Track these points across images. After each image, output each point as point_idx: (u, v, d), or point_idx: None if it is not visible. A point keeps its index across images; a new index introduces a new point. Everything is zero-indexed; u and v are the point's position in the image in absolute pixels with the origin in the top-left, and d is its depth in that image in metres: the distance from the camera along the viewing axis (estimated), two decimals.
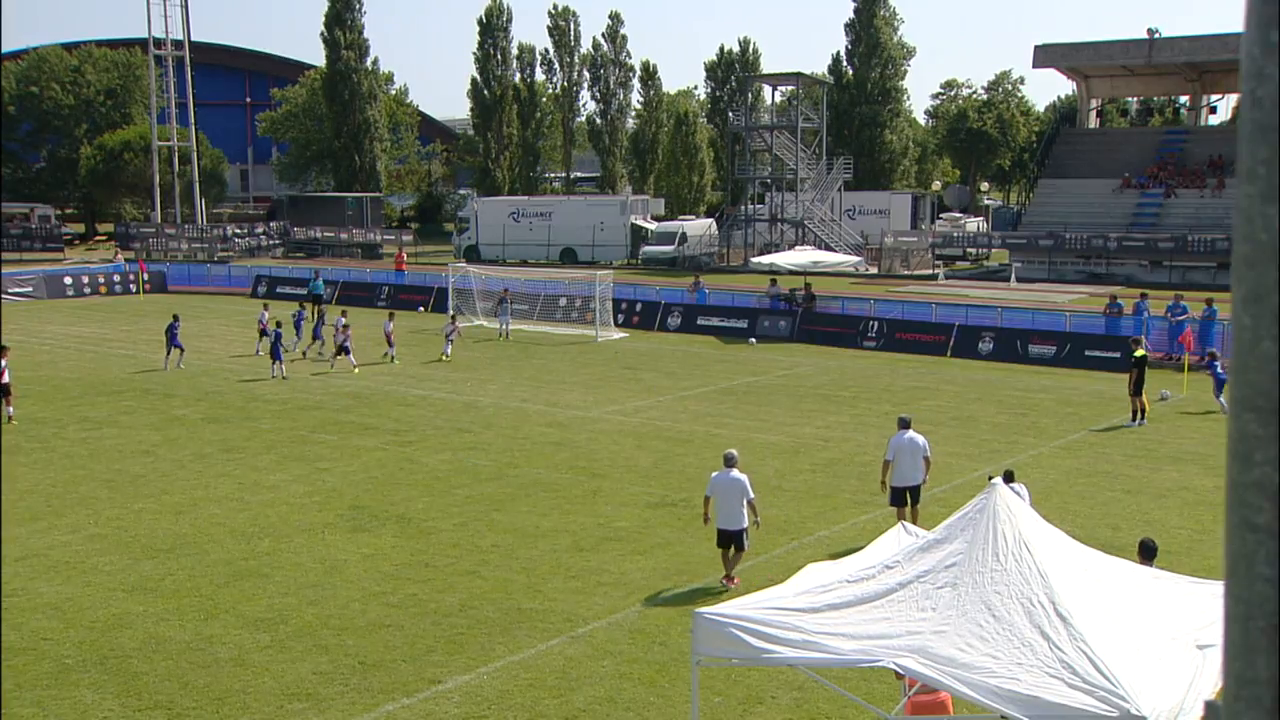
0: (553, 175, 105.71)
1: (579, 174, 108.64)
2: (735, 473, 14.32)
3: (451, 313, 37.63)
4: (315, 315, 41.43)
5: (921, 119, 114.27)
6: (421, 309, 41.31)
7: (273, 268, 61.26)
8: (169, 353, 32.08)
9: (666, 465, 21.13)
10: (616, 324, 42.10)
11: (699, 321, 42.41)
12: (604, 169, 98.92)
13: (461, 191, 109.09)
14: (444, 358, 33.46)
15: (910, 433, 16.26)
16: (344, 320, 32.81)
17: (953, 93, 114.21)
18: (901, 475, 16.13)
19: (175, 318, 32.75)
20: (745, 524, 14.33)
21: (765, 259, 49.67)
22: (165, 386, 29.58)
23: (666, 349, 38.06)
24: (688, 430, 24.46)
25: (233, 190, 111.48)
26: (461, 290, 44.26)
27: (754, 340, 39.55)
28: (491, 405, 27.34)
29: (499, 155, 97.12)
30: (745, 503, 14.24)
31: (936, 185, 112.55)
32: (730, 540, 14.31)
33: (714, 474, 14.53)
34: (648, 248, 71.22)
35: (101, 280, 55.95)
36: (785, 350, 37.65)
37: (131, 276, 56.76)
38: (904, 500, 15.84)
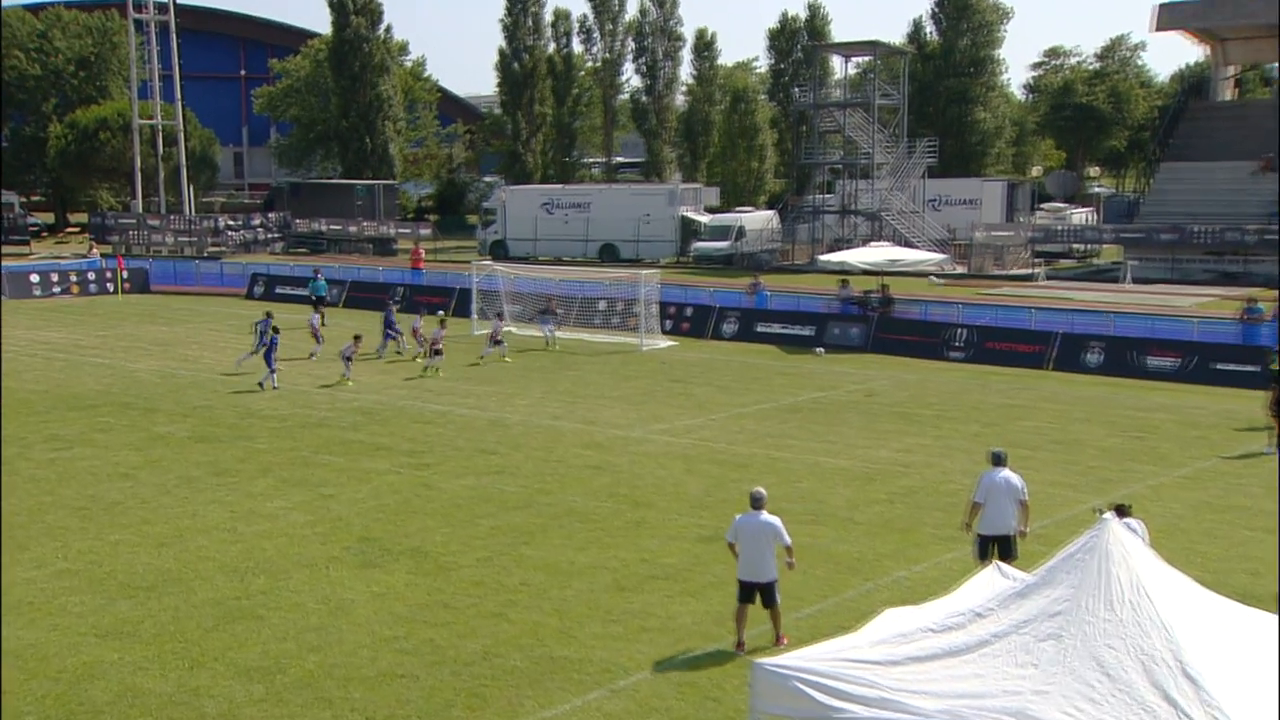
0: (591, 161, 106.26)
1: (621, 159, 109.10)
2: (765, 515, 14.04)
3: (500, 325, 38.07)
4: (320, 315, 42.22)
5: (1019, 93, 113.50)
6: (441, 313, 41.62)
7: (271, 265, 62.08)
8: (270, 371, 31.84)
9: (720, 493, 21.10)
10: (663, 331, 42.22)
11: (758, 328, 42.41)
12: (650, 153, 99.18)
13: (487, 179, 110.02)
14: (429, 370, 33.83)
15: (1005, 471, 15.66)
16: (443, 331, 33.96)
17: (1057, 62, 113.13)
18: (991, 521, 15.54)
19: (268, 315, 33.04)
20: (776, 574, 14.06)
21: (835, 256, 49.47)
22: (147, 400, 29.98)
23: (720, 360, 38.08)
24: (745, 453, 24.45)
25: (225, 176, 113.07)
26: (486, 292, 44.57)
27: (821, 350, 39.49)
28: (520, 423, 27.46)
29: (530, 138, 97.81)
30: (778, 550, 14.03)
31: (1036, 171, 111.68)
32: (755, 594, 14.07)
33: (738, 517, 14.32)
34: (700, 244, 71.41)
35: (74, 278, 56.84)
36: (857, 361, 37.54)
37: (109, 274, 57.61)
38: (992, 552, 15.37)
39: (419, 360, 35.75)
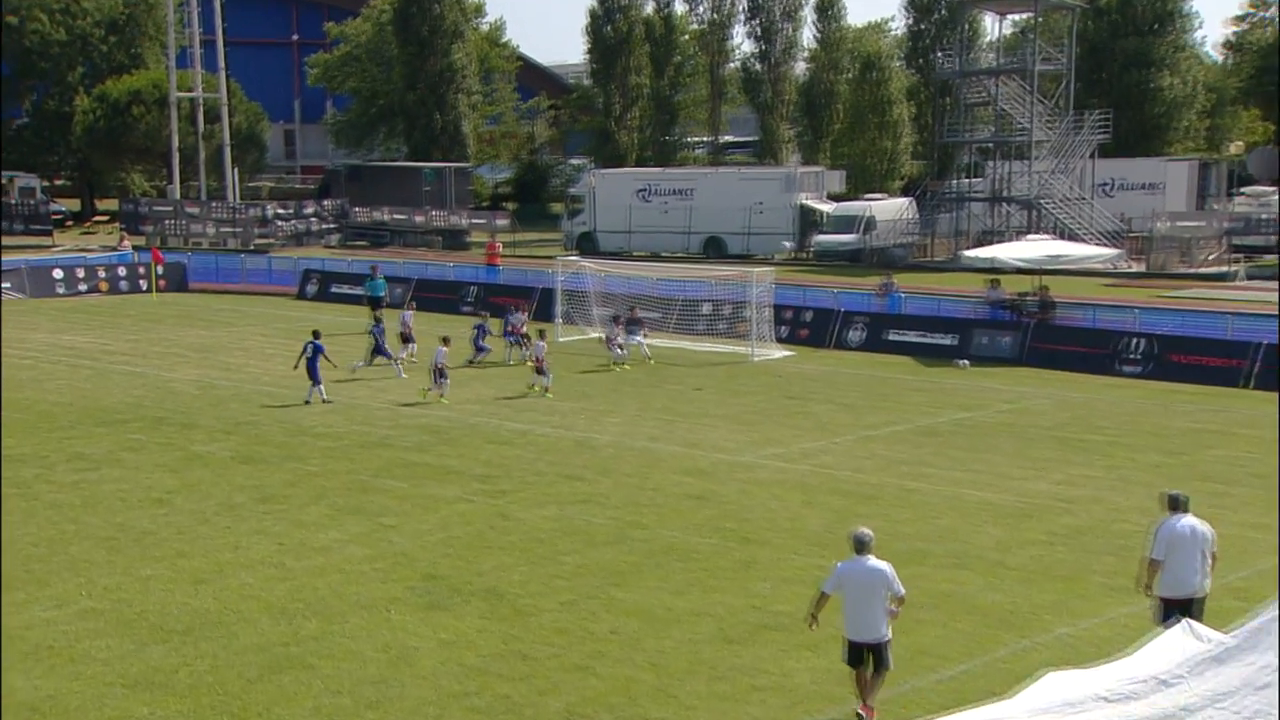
0: (695, 140, 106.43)
1: (730, 138, 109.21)
2: (873, 561, 13.65)
3: (614, 331, 38.44)
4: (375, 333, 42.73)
5: (1215, 54, 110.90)
6: (523, 315, 42.00)
7: (326, 260, 63.15)
8: (315, 384, 32.21)
9: (844, 529, 20.76)
10: (778, 339, 42.15)
11: (889, 336, 42.18)
12: (764, 131, 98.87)
13: (574, 161, 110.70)
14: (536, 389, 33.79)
15: (1188, 518, 14.94)
16: (543, 345, 34.15)
17: (1266, 15, 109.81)
18: (1176, 582, 14.78)
19: (315, 335, 32.96)
20: (889, 634, 13.67)
21: (983, 252, 48.98)
22: (184, 414, 30.62)
23: (845, 372, 37.89)
24: (873, 483, 24.32)
25: (274, 157, 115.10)
26: (573, 293, 44.83)
27: (965, 363, 39.12)
28: (611, 445, 27.58)
29: (624, 113, 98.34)
30: (889, 603, 13.65)
31: (1235, 148, 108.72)
32: (866, 655, 13.75)
33: (840, 564, 13.93)
34: (822, 237, 71.25)
35: (102, 274, 58.40)
36: (1010, 376, 37.11)
37: (141, 270, 59.06)
38: (1177, 617, 14.73)
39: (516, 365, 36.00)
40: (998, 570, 19.12)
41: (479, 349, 38.39)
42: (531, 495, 23.19)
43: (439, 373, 32.32)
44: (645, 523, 21.44)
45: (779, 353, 41.00)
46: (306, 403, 31.74)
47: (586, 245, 74.36)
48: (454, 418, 30.50)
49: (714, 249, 72.52)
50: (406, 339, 38.50)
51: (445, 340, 33.06)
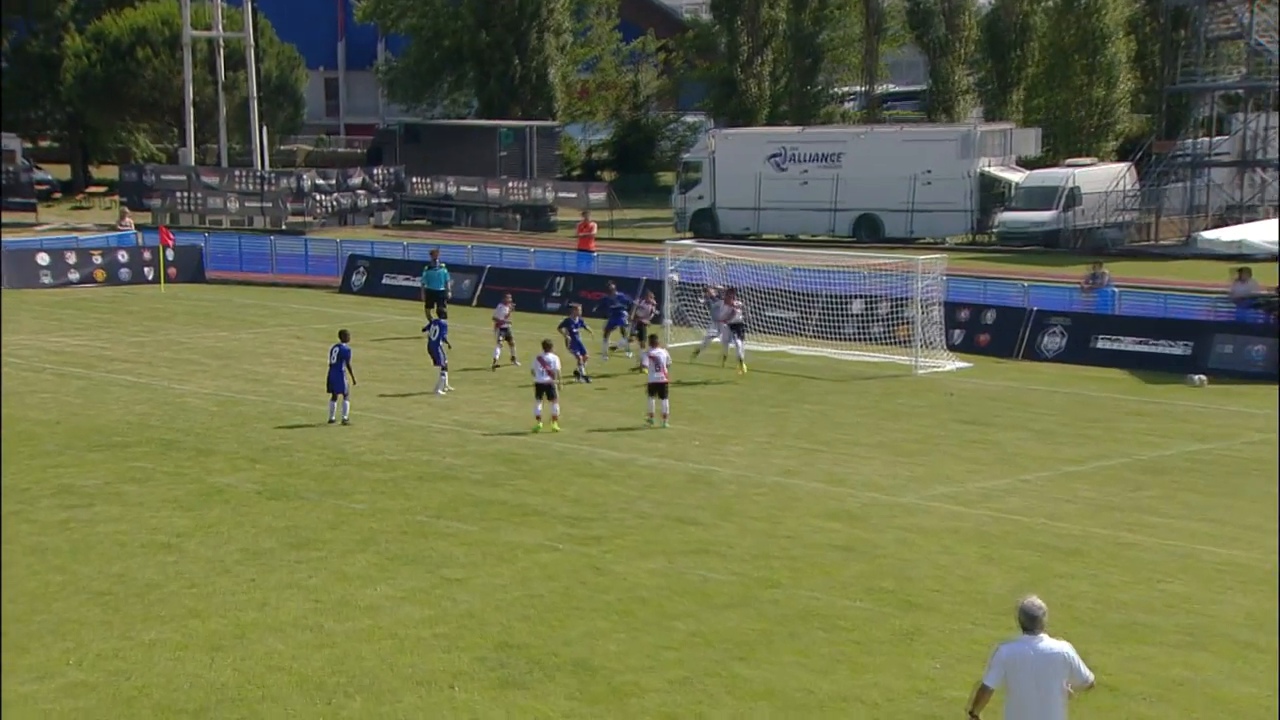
0: (844, 91, 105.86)
1: (891, 87, 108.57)
2: (1047, 642, 13.22)
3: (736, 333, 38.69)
4: (434, 327, 43.18)
5: None
6: (626, 315, 42.11)
7: (377, 243, 63.69)
8: (334, 397, 32.78)
9: (1038, 592, 20.67)
10: (950, 346, 41.94)
11: (1099, 343, 41.81)
12: (934, 79, 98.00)
13: (689, 119, 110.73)
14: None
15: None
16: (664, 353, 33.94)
17: None
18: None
19: (343, 337, 33.52)
20: None
21: (1228, 233, 48.36)
22: (199, 437, 31.06)
23: (1039, 390, 37.65)
24: (1077, 534, 24.09)
25: (313, 114, 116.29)
26: (686, 287, 44.82)
27: (1201, 379, 38.59)
28: (734, 479, 27.61)
29: (753, 57, 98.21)
30: (1068, 693, 13.13)
31: None
32: None
33: (1003, 646, 13.46)
34: (1009, 214, 70.62)
35: (98, 260, 59.53)
36: (1262, 397, 36.54)
37: (147, 255, 60.09)
38: None
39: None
40: (1247, 653, 18.76)
41: (577, 349, 38.51)
42: (632, 543, 23.23)
43: (546, 391, 31.77)
44: (778, 580, 21.39)
45: (951, 364, 40.75)
46: (331, 422, 32.03)
47: (704, 226, 74.34)
48: (535, 443, 30.68)
49: (867, 230, 72.20)
50: (507, 335, 39.38)
51: (547, 346, 32.38)
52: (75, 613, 19.85)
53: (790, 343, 43.06)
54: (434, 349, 36.53)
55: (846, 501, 26.08)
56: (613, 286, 43.85)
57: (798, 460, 29.36)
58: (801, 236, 73.50)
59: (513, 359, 39.52)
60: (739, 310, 40.52)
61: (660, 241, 51.35)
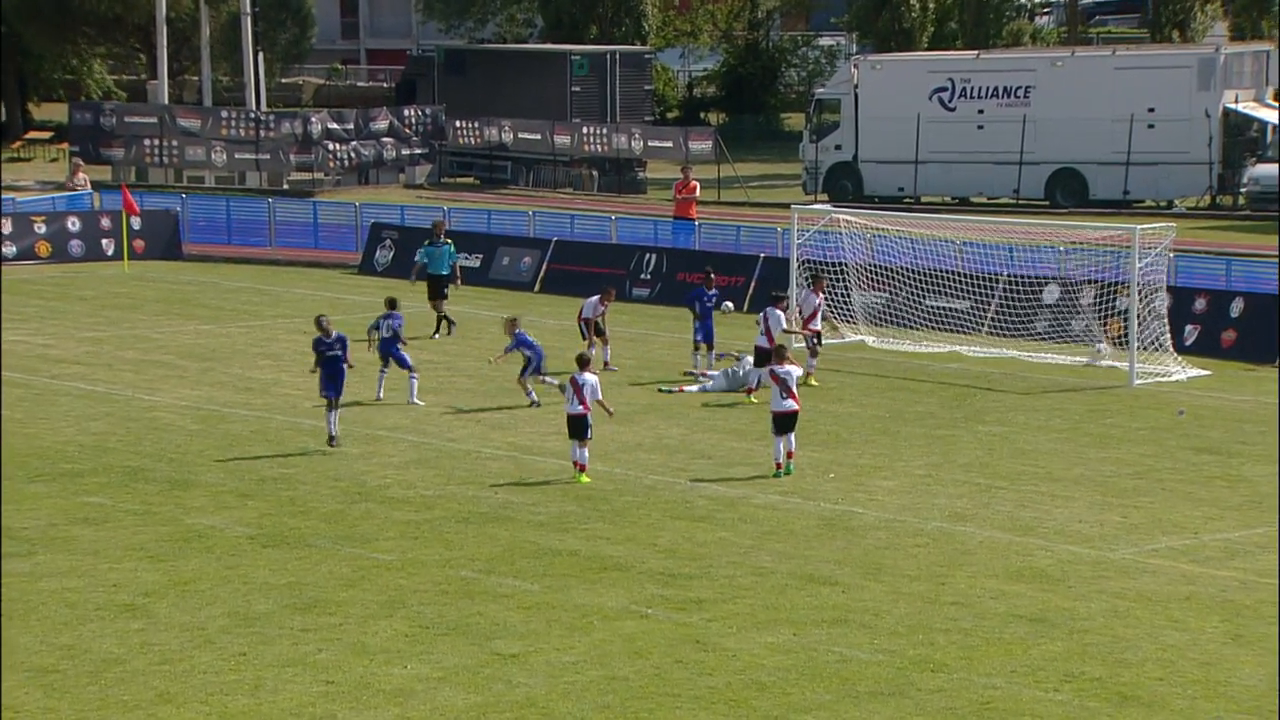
0: (1035, 1, 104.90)
1: None
2: None
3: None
4: (442, 324, 44.02)
5: None
6: (728, 306, 42.00)
7: (408, 208, 63.59)
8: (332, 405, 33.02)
9: None
10: (1179, 348, 41.48)
11: None
12: None
13: (824, 41, 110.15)
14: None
15: None
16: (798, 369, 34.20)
17: None
18: None
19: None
20: None
21: None
22: (172, 463, 31.11)
23: None
24: None
25: (326, 36, 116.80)
26: (818, 266, 44.49)
27: None
28: (882, 524, 27.44)
29: None
30: None
31: None
32: None
33: None
34: (1264, 168, 69.60)
35: (40, 228, 59.72)
36: None
37: (106, 222, 60.34)
38: None
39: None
40: None
41: (704, 335, 38.58)
42: (746, 609, 23.09)
43: (578, 426, 30.82)
44: (943, 661, 21.20)
45: (1181, 371, 40.18)
46: (333, 440, 32.24)
47: (842, 185, 74.15)
48: (616, 474, 30.61)
49: (1066, 191, 71.67)
50: (599, 331, 39.57)
51: (584, 362, 31.38)
52: (9, 697, 19.82)
53: (960, 342, 42.82)
54: (390, 349, 36.02)
55: (1036, 556, 25.77)
56: (711, 275, 42.67)
57: (969, 500, 29.07)
58: (975, 199, 73.10)
59: (605, 364, 39.48)
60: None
61: (785, 206, 51.28)
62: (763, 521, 27.65)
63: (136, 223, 59.44)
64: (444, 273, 45.69)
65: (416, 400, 34.83)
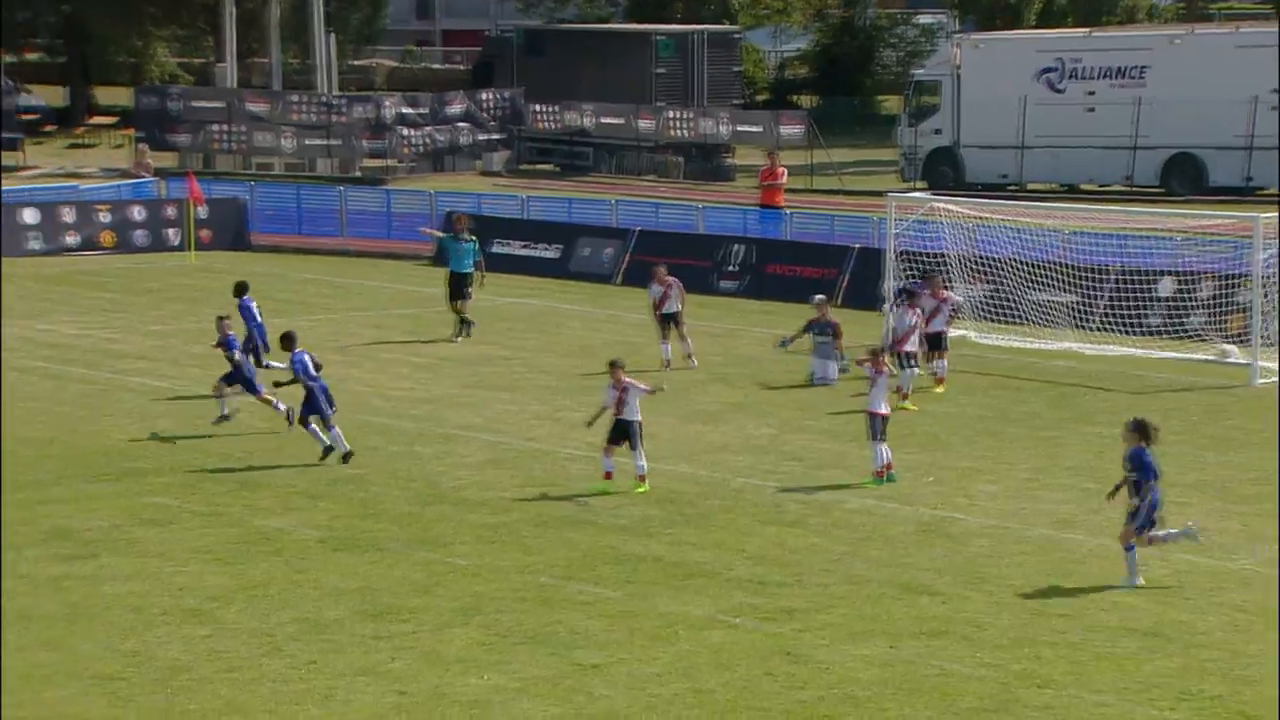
0: None
1: None
2: None
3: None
4: (461, 323, 43.76)
5: None
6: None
7: (486, 196, 63.78)
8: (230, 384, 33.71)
9: None
10: None
11: None
12: None
13: (922, 20, 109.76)
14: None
15: None
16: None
17: None
18: None
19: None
20: None
21: None
22: (243, 462, 31.33)
23: None
24: None
25: (399, 16, 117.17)
26: (915, 257, 44.36)
27: None
28: (984, 531, 27.35)
29: None
30: None
31: None
32: None
33: None
34: None
35: (105, 217, 60.33)
36: None
37: (171, 210, 60.87)
38: None
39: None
40: None
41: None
42: (840, 619, 23.05)
43: (625, 432, 30.27)
44: (1049, 676, 21.08)
45: None
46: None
47: (942, 171, 73.93)
48: (702, 477, 30.61)
49: (1183, 177, 71.18)
50: (675, 321, 39.55)
51: (616, 366, 30.68)
52: (72, 705, 19.98)
53: (1068, 337, 42.55)
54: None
55: (1150, 566, 25.44)
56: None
57: (1077, 505, 28.92)
58: (1085, 187, 72.74)
59: (688, 356, 39.45)
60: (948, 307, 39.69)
61: (880, 194, 51.11)
62: (857, 527, 27.62)
63: (203, 212, 59.77)
64: (466, 271, 44.95)
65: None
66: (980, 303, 43.22)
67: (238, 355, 33.80)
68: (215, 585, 24.40)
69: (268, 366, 36.68)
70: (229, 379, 33.68)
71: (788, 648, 21.97)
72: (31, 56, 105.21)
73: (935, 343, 38.42)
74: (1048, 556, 26.21)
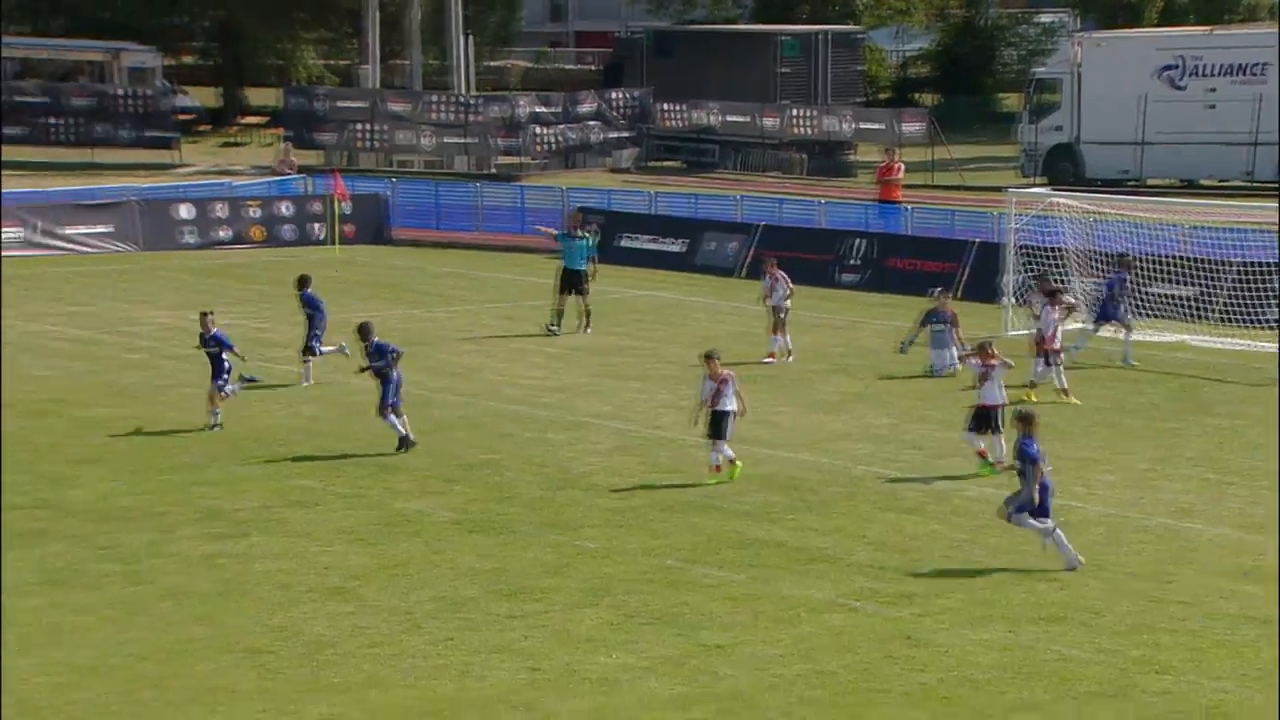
0: None
1: None
2: None
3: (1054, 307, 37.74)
4: (583, 312, 43.38)
5: None
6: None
7: (614, 192, 63.76)
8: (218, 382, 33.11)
9: None
10: None
11: None
12: None
13: (1043, 19, 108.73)
14: None
15: None
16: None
17: None
18: None
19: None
20: None
21: None
22: (382, 448, 31.42)
23: None
24: None
25: (533, 19, 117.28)
26: (1034, 252, 44.09)
27: None
28: (1102, 520, 27.20)
29: None
30: None
31: None
32: None
33: None
34: None
35: (254, 212, 60.89)
36: None
37: (316, 206, 61.34)
38: None
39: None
40: None
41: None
42: (958, 604, 22.97)
43: (721, 423, 29.99)
44: (1168, 662, 20.89)
45: None
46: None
47: (1062, 167, 73.30)
48: (823, 465, 30.53)
49: None
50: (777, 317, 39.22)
51: (711, 357, 29.96)
52: (223, 677, 20.21)
53: (1187, 331, 42.28)
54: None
55: (1271, 556, 25.20)
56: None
57: (1196, 495, 28.65)
58: (1204, 182, 71.96)
59: (789, 353, 39.31)
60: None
61: (999, 189, 50.72)
62: (976, 515, 27.44)
63: (347, 207, 60.27)
64: (580, 267, 44.37)
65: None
66: (1099, 297, 42.73)
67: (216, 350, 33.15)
68: (357, 564, 24.64)
69: (320, 353, 36.99)
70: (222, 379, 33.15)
71: (907, 631, 21.92)
72: (188, 60, 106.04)
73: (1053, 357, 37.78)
74: (1167, 545, 25.99)
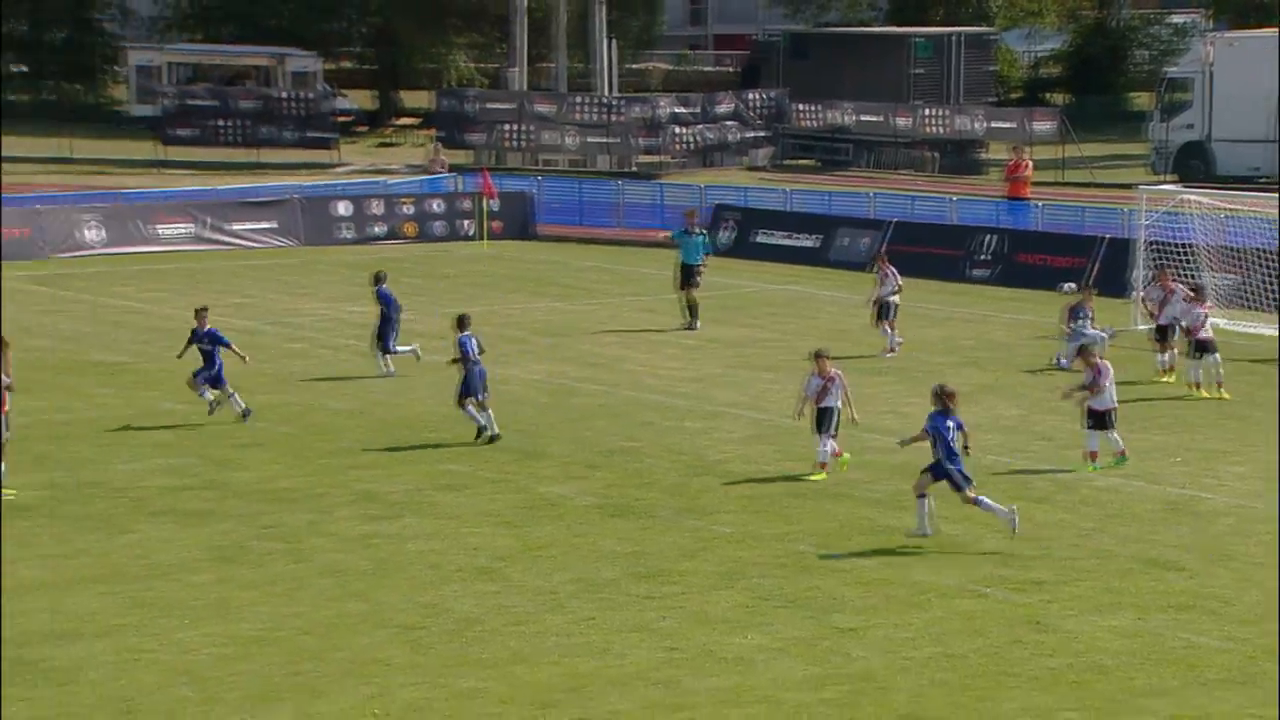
0: None
1: None
2: None
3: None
4: (689, 308, 42.93)
5: None
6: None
7: (751, 189, 63.67)
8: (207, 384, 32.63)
9: None
10: None
11: None
12: None
13: (1175, 19, 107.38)
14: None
15: None
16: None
17: None
18: None
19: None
20: None
21: None
22: (527, 435, 31.59)
23: None
24: None
25: (674, 23, 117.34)
26: (1165, 248, 43.48)
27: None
28: (1230, 510, 26.88)
29: None
30: None
31: None
32: None
33: None
34: None
35: (408, 209, 61.32)
36: None
37: (466, 203, 61.63)
38: None
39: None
40: None
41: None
42: (1087, 591, 22.80)
43: (826, 420, 29.39)
44: None
45: None
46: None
47: (1193, 165, 72.55)
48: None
49: None
50: (886, 309, 39.06)
51: (821, 356, 29.48)
52: (378, 651, 20.45)
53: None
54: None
55: None
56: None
57: None
58: None
59: (892, 348, 39.12)
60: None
61: (1129, 187, 50.20)
62: (1104, 504, 27.32)
63: (495, 205, 60.49)
64: (695, 263, 44.38)
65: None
66: (1229, 291, 42.22)
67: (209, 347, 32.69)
68: (503, 546, 24.83)
69: (396, 352, 36.74)
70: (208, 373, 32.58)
71: (1036, 617, 21.83)
72: (347, 64, 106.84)
73: (1163, 334, 37.37)
74: None
